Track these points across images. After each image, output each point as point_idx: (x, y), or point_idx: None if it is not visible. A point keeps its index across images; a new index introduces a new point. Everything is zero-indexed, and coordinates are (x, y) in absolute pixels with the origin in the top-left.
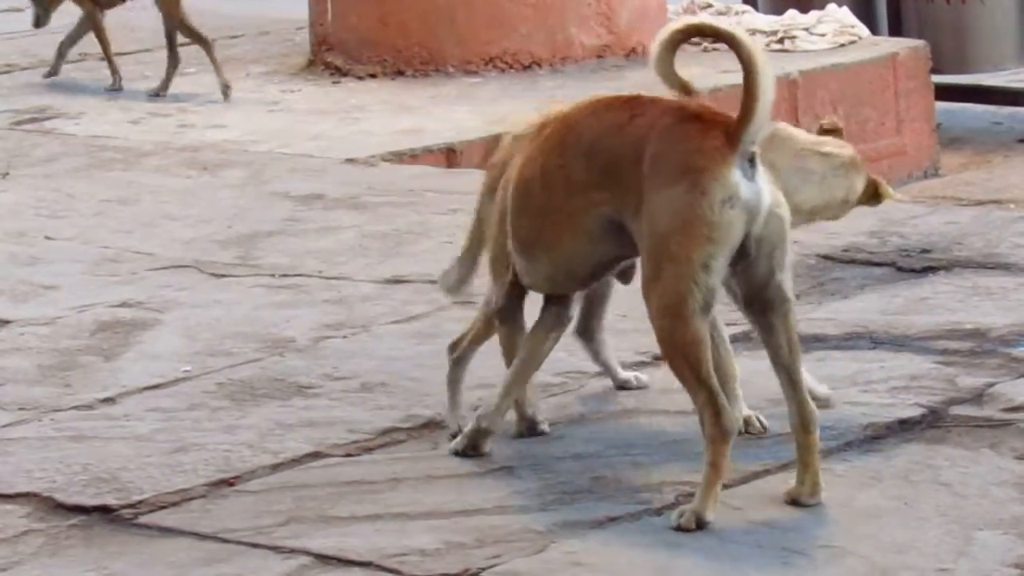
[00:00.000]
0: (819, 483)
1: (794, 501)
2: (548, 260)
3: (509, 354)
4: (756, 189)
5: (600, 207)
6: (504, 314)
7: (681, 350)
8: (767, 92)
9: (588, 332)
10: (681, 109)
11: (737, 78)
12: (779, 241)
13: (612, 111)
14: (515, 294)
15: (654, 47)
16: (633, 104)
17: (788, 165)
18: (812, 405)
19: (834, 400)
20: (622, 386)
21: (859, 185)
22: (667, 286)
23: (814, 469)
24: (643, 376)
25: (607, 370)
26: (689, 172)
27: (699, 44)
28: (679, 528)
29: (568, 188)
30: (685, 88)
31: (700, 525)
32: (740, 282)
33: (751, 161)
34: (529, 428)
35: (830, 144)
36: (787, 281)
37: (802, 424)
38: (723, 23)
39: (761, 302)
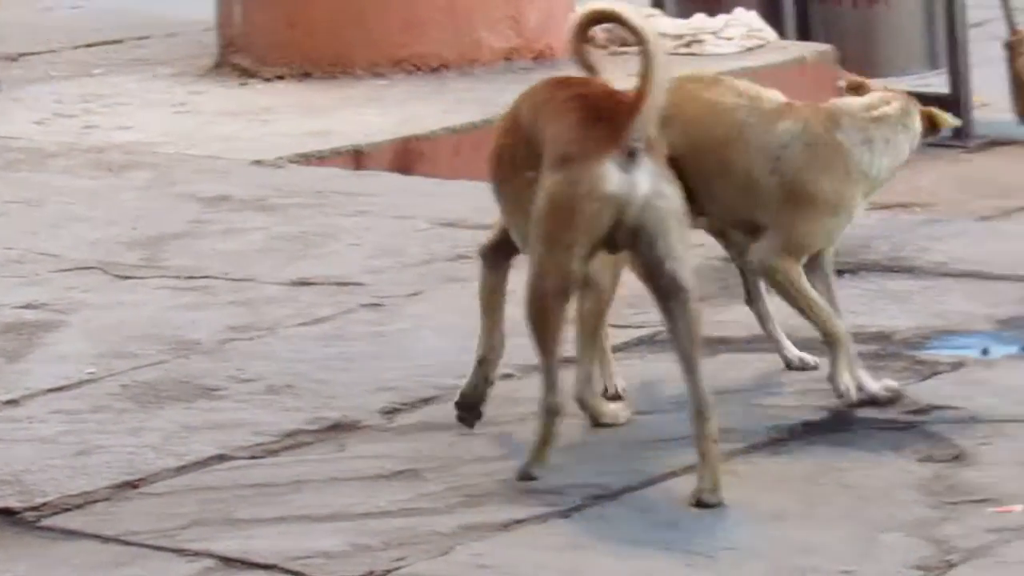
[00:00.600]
0: (718, 477)
1: (698, 502)
2: (516, 233)
3: (480, 298)
4: (630, 181)
5: (532, 185)
6: (486, 255)
7: (534, 325)
8: (659, 91)
9: (751, 300)
10: (583, 96)
11: None
12: (660, 232)
13: (542, 92)
14: (503, 240)
15: (567, 30)
16: (556, 86)
17: (856, 144)
18: (707, 394)
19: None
20: (789, 365)
21: (918, 126)
22: (533, 265)
23: (712, 460)
24: (810, 358)
25: (774, 342)
26: (564, 160)
27: (606, 48)
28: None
29: (514, 166)
30: (592, 70)
31: (524, 478)
32: (636, 270)
33: (632, 154)
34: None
35: (878, 105)
36: (681, 271)
37: (697, 412)
38: (630, 11)
39: (659, 290)
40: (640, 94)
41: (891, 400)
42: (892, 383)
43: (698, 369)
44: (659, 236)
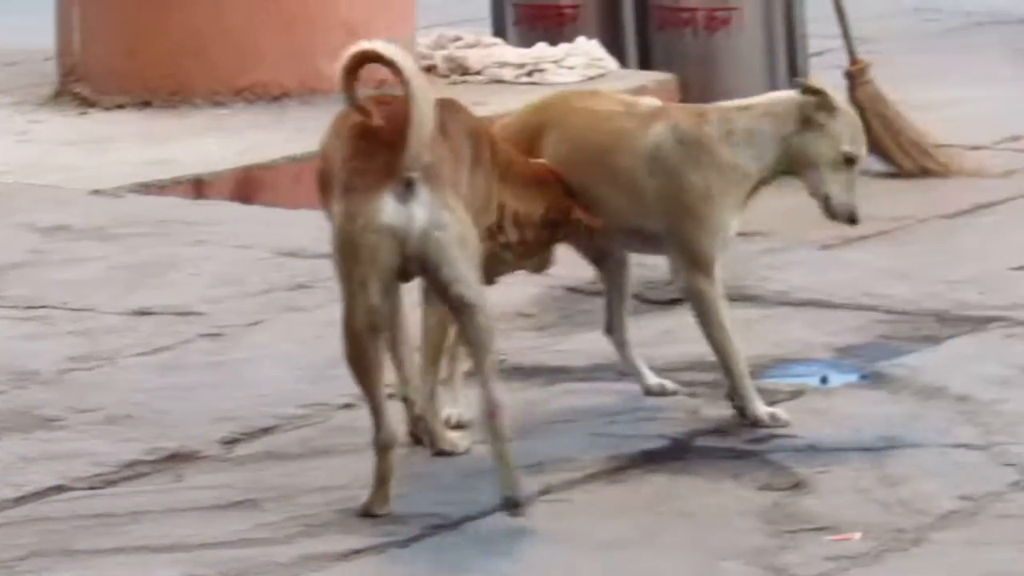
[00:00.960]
0: (517, 475)
1: (505, 501)
2: None
3: None
4: (408, 213)
5: None
6: None
7: (351, 364)
8: (424, 121)
9: (611, 328)
10: (367, 128)
11: (489, 110)
12: (443, 261)
13: (341, 118)
14: None
15: (335, 73)
16: (355, 112)
17: (721, 135)
18: (497, 395)
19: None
20: (649, 392)
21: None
22: (342, 304)
23: (507, 460)
24: (670, 384)
25: (633, 371)
26: (346, 191)
27: (448, 77)
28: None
29: (330, 193)
30: (363, 111)
31: (367, 515)
32: (431, 290)
33: (409, 184)
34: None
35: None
36: (468, 292)
37: (488, 412)
38: (393, 50)
39: (450, 307)
40: (407, 127)
41: (776, 426)
42: (781, 413)
43: (489, 375)
44: (443, 264)
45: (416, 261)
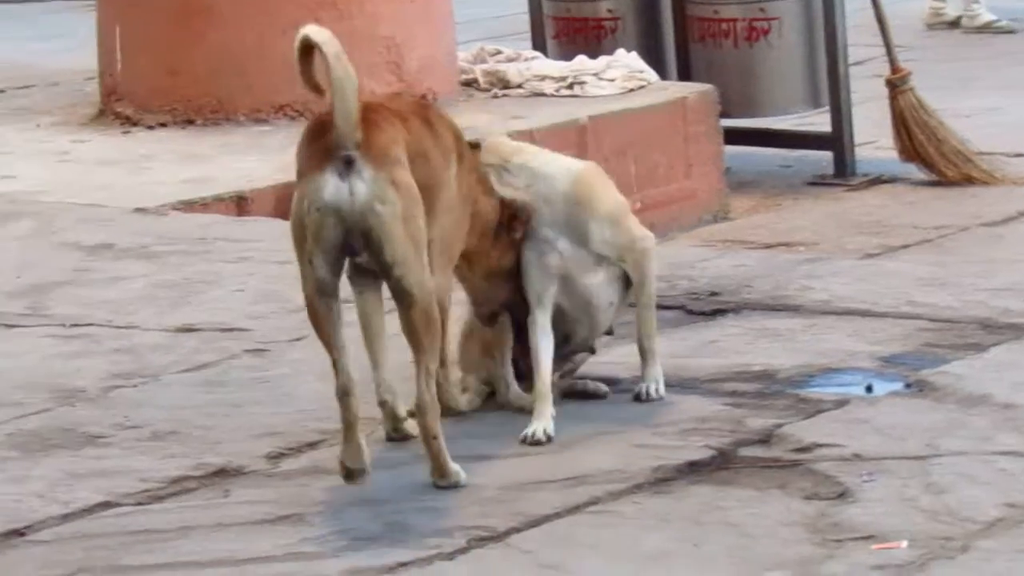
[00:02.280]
0: (440, 464)
1: (434, 483)
2: None
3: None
4: (348, 189)
5: None
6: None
7: (310, 323)
8: (344, 101)
9: None
10: (320, 120)
11: (529, 123)
12: (384, 238)
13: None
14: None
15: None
16: None
17: None
18: (426, 394)
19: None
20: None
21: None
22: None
23: (432, 454)
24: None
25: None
26: (299, 176)
27: (489, 90)
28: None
29: None
30: (317, 89)
31: (344, 473)
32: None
33: (349, 162)
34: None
35: None
36: (408, 277)
37: (417, 408)
38: (322, 35)
39: (392, 295)
40: (333, 108)
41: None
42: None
43: (420, 373)
44: (384, 242)
45: (360, 237)
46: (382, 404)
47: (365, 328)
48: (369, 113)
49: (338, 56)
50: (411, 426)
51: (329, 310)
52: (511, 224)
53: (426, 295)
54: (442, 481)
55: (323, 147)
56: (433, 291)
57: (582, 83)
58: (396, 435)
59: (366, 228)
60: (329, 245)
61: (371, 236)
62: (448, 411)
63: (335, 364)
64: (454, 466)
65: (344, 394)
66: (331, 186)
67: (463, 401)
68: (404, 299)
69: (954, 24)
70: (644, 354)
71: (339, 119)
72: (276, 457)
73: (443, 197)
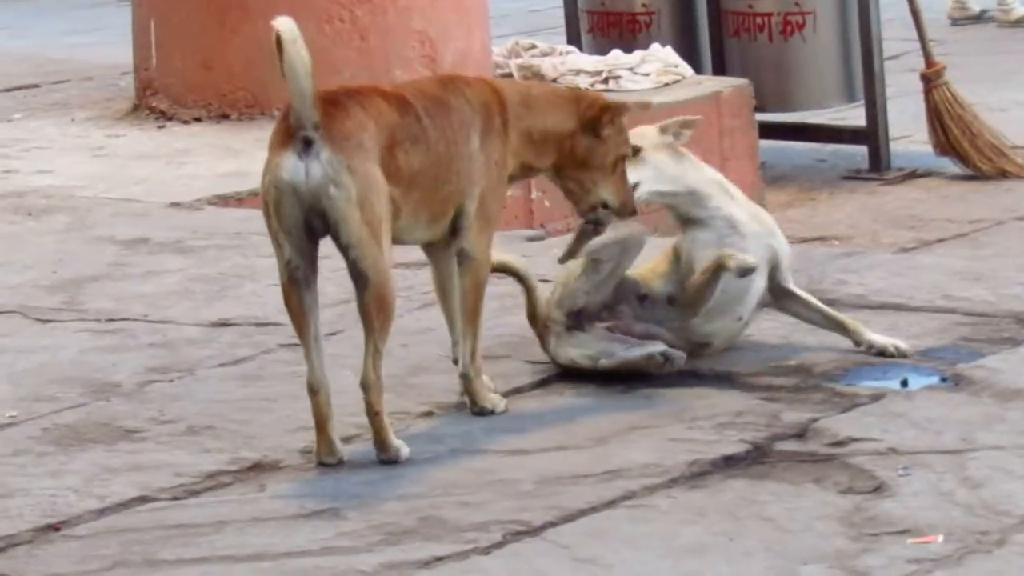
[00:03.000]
0: (381, 439)
1: (378, 456)
2: None
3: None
4: (304, 169)
5: None
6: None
7: (286, 310)
8: (296, 83)
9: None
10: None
11: None
12: (340, 220)
13: None
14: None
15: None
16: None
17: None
18: (372, 372)
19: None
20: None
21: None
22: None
23: (374, 430)
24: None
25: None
26: (268, 160)
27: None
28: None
29: None
30: None
31: (320, 463)
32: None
33: (307, 143)
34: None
35: None
36: (362, 260)
37: (361, 384)
38: (282, 22)
39: (351, 277)
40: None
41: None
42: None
43: (369, 349)
44: (339, 224)
45: (318, 217)
46: (463, 377)
47: (442, 299)
48: (342, 98)
49: (293, 41)
50: (492, 399)
51: (301, 300)
52: (598, 120)
53: (380, 277)
54: (383, 455)
55: (288, 127)
56: (388, 274)
57: (617, 77)
58: (475, 409)
59: (321, 209)
60: (290, 224)
61: (327, 217)
62: (480, 410)
63: (305, 355)
64: (396, 441)
65: (312, 392)
66: (289, 164)
67: (500, 404)
68: (359, 280)
69: (978, 18)
70: None
71: (294, 100)
72: (311, 452)
73: (463, 169)
